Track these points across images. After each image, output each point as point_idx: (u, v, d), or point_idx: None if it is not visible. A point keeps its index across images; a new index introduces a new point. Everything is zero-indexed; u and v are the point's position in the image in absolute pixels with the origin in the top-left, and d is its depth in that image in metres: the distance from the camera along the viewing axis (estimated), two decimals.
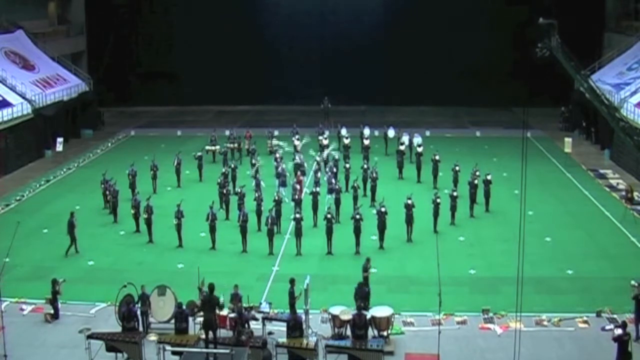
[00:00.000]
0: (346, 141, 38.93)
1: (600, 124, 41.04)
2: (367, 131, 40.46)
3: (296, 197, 28.75)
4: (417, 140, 37.37)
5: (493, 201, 30.48)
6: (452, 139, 43.93)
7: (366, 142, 38.58)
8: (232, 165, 33.80)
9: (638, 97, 38.35)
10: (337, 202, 29.06)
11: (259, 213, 27.93)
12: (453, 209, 28.53)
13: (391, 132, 40.81)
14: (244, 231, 25.93)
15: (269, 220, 25.68)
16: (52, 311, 20.68)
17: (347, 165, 34.11)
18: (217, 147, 39.15)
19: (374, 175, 31.61)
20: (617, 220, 29.16)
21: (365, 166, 33.13)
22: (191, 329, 18.42)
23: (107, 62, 55.07)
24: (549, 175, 35.93)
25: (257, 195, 28.65)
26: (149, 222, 27.05)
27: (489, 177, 30.50)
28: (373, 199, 30.95)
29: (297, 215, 26.04)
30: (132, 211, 28.01)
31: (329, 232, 25.71)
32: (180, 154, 35.73)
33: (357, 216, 25.54)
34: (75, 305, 21.38)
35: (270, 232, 25.64)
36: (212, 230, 26.20)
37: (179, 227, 26.50)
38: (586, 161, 39.11)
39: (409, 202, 26.75)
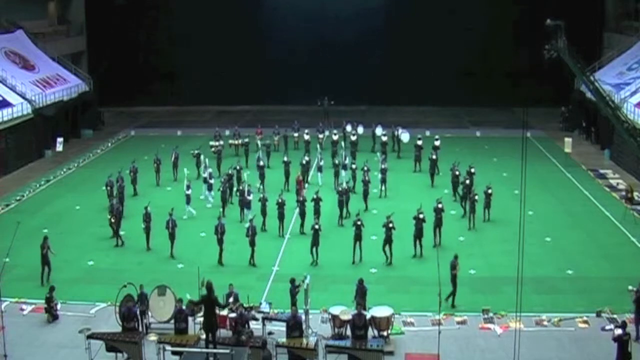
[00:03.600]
0: (353, 138, 38.96)
1: (600, 124, 41.06)
2: (378, 130, 40.85)
3: (300, 198, 28.35)
4: (406, 136, 38.89)
5: (493, 201, 30.40)
6: (452, 139, 43.88)
7: (384, 138, 38.62)
8: (238, 167, 33.38)
9: (638, 97, 38.36)
10: (341, 204, 28.80)
11: (263, 213, 27.87)
12: (473, 212, 28.43)
13: (379, 130, 40.89)
14: (220, 243, 24.85)
15: (249, 232, 24.71)
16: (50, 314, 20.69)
17: (354, 166, 33.47)
18: (221, 142, 39.44)
19: (367, 178, 30.83)
20: (617, 220, 29.16)
21: (366, 168, 32.67)
22: (191, 329, 18.42)
23: (107, 62, 54.96)
24: (549, 175, 35.93)
25: (262, 196, 28.47)
26: (117, 225, 26.85)
27: (472, 170, 31.69)
28: (365, 202, 30.50)
29: (317, 226, 25.00)
30: (109, 216, 27.51)
31: (358, 239, 24.85)
32: (177, 148, 36.33)
33: (390, 224, 24.64)
34: (75, 305, 21.38)
35: (252, 243, 24.73)
36: (172, 237, 25.44)
37: (147, 231, 26.22)
38: (586, 161, 39.12)
39: (439, 206, 26.43)
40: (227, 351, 15.88)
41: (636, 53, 44.46)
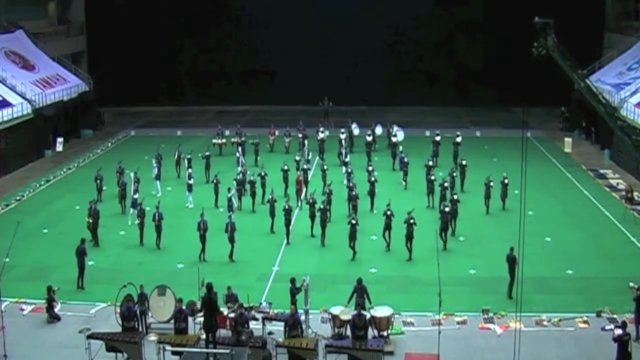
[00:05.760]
0: (368, 138, 38.76)
1: (600, 124, 41.02)
2: (378, 129, 40.99)
3: (310, 200, 27.73)
4: (401, 134, 39.43)
5: (493, 201, 30.51)
6: (452, 139, 43.80)
7: (394, 139, 38.64)
8: (263, 173, 32.01)
9: (638, 97, 38.36)
10: (355, 208, 28.31)
11: (272, 214, 27.77)
12: (487, 197, 30.04)
13: (379, 130, 40.81)
14: (203, 239, 25.14)
15: (229, 227, 24.98)
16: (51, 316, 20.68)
17: (370, 168, 32.73)
18: (224, 140, 39.86)
19: (351, 184, 29.99)
20: (617, 220, 29.16)
21: (370, 168, 32.60)
22: (191, 329, 18.41)
23: (107, 62, 54.94)
24: (549, 175, 35.94)
25: (270, 197, 28.32)
26: (94, 226, 26.83)
27: (464, 163, 33.32)
28: (353, 209, 29.32)
29: (353, 221, 25.20)
30: (87, 218, 27.24)
31: (388, 228, 25.83)
32: (180, 146, 36.81)
33: (411, 220, 24.98)
34: (75, 305, 21.39)
35: (231, 240, 24.98)
36: (158, 230, 26.19)
37: (141, 226, 26.67)
38: (586, 161, 39.14)
39: (455, 197, 27.78)
40: (227, 351, 15.88)
41: (636, 53, 44.45)
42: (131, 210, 29.20)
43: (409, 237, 25.00)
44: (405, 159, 34.32)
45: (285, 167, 32.94)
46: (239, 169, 33.91)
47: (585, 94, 26.23)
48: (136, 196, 29.28)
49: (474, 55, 53.38)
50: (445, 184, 29.89)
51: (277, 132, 41.70)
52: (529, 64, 23.07)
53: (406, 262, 25.05)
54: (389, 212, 25.80)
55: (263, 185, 31.38)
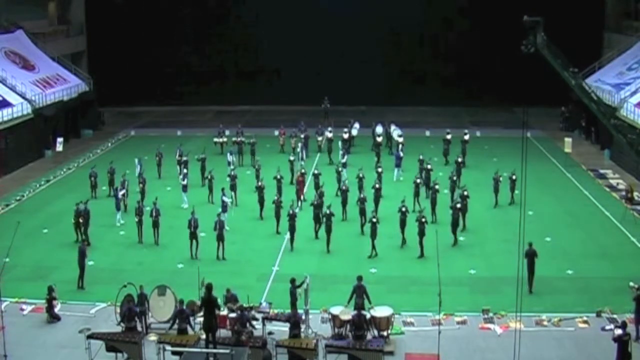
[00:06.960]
0: (378, 139, 38.63)
1: (600, 123, 40.99)
2: (378, 129, 40.64)
3: (315, 202, 27.65)
4: (397, 131, 39.53)
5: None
6: (452, 139, 43.81)
7: (399, 139, 38.65)
8: (279, 176, 31.06)
9: (638, 97, 38.34)
10: (362, 211, 27.92)
11: (277, 216, 27.67)
12: (496, 191, 30.69)
13: (379, 129, 40.83)
14: (193, 237, 25.28)
15: (217, 225, 25.13)
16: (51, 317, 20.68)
17: (380, 169, 32.49)
18: (225, 139, 40.04)
19: (344, 187, 29.69)
20: (617, 220, 29.16)
21: (377, 171, 32.45)
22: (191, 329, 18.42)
23: (107, 62, 54.92)
24: (549, 175, 35.94)
25: (276, 198, 28.29)
26: (83, 226, 26.76)
27: (459, 160, 34.26)
28: (361, 212, 28.80)
29: (374, 219, 25.32)
30: (73, 220, 27.21)
31: (403, 225, 26.07)
32: (181, 146, 37.08)
33: (423, 219, 25.17)
34: (75, 305, 21.40)
35: (220, 237, 25.10)
36: (155, 225, 26.56)
37: (139, 225, 26.79)
38: (586, 161, 39.13)
39: (465, 193, 28.02)
40: (227, 351, 15.88)
41: (636, 53, 44.43)
42: (118, 214, 29.18)
43: (421, 234, 25.11)
44: (421, 157, 34.07)
45: (316, 172, 32.20)
46: (231, 166, 34.35)
47: (578, 92, 26.28)
48: (121, 196, 29.61)
49: (474, 55, 53.31)
50: (437, 187, 29.45)
51: (286, 133, 41.55)
52: (529, 64, 23.06)
53: (406, 262, 25.10)
54: (403, 209, 26.09)
55: (279, 190, 30.44)
